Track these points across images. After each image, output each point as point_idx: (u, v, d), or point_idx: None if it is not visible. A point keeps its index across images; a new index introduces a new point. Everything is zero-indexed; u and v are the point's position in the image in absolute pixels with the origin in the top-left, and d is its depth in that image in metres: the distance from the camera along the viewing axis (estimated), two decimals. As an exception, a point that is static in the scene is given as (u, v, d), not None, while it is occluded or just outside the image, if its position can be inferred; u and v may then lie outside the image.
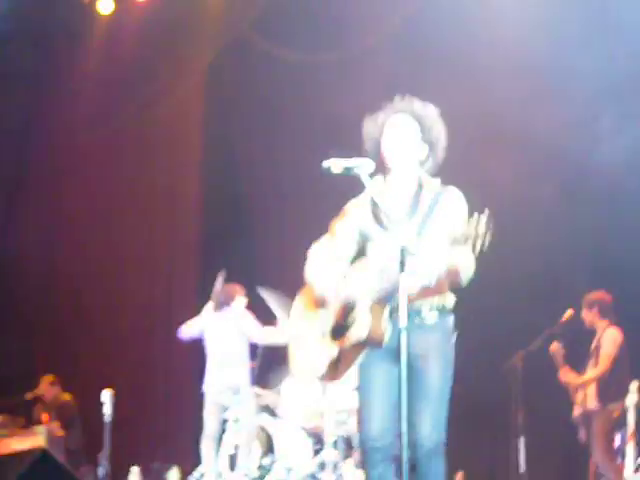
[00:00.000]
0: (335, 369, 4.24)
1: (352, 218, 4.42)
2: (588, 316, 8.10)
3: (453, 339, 4.27)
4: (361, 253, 4.41)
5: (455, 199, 4.26)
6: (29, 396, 10.01)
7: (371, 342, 4.12)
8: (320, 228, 4.74)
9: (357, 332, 4.12)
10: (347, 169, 4.00)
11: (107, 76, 11.32)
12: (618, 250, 8.61)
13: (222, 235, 10.95)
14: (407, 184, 4.30)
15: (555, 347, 8.05)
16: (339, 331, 4.21)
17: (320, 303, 4.32)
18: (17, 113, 11.11)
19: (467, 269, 4.03)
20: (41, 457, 3.26)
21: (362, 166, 4.02)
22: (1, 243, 10.75)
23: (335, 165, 3.99)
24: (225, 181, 11.06)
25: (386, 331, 4.10)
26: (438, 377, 4.15)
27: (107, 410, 8.39)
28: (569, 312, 8.07)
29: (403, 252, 3.80)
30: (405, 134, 4.29)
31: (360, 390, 4.30)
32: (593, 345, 8.06)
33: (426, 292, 4.14)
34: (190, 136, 11.41)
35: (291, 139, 10.78)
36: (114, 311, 11.25)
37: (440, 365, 4.17)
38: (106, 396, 8.47)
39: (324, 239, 4.50)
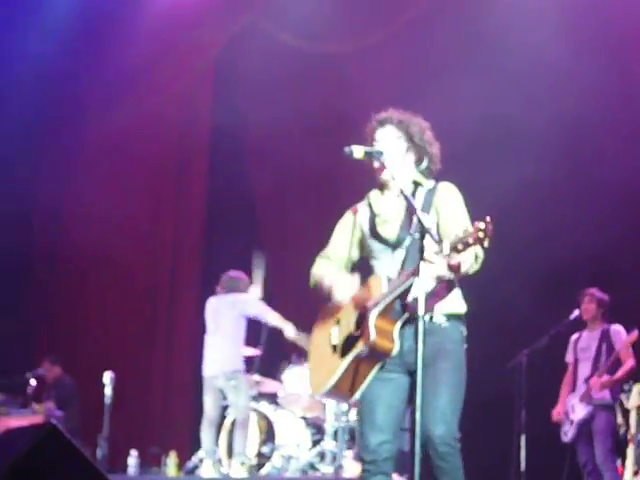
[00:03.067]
0: (346, 384, 4.18)
1: (349, 220, 4.46)
2: (590, 310, 8.07)
3: (464, 345, 4.22)
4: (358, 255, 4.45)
5: (448, 192, 4.28)
6: (29, 376, 9.97)
7: (378, 353, 4.08)
8: (323, 223, 4.74)
9: (364, 341, 4.07)
10: (368, 154, 4.04)
11: (118, 59, 11.24)
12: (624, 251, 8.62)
13: (226, 223, 10.92)
14: (403, 188, 4.28)
15: None
16: (349, 345, 4.17)
17: (336, 319, 4.30)
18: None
19: (467, 265, 3.98)
20: (49, 432, 3.21)
21: (383, 152, 4.07)
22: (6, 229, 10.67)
23: (357, 150, 4.01)
24: (231, 167, 11.02)
25: (395, 342, 4.08)
26: (449, 379, 4.09)
27: (108, 392, 8.38)
28: (576, 311, 8.06)
29: (424, 235, 3.77)
30: (389, 145, 4.29)
31: (362, 404, 4.26)
32: (597, 342, 8.03)
33: (435, 296, 4.12)
34: (198, 121, 11.36)
35: (300, 128, 10.74)
36: (116, 293, 11.21)
37: (451, 368, 4.12)
38: (107, 378, 8.46)
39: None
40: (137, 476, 8.59)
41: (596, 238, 8.62)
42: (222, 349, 8.42)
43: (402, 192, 4.00)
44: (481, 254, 4.04)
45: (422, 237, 3.82)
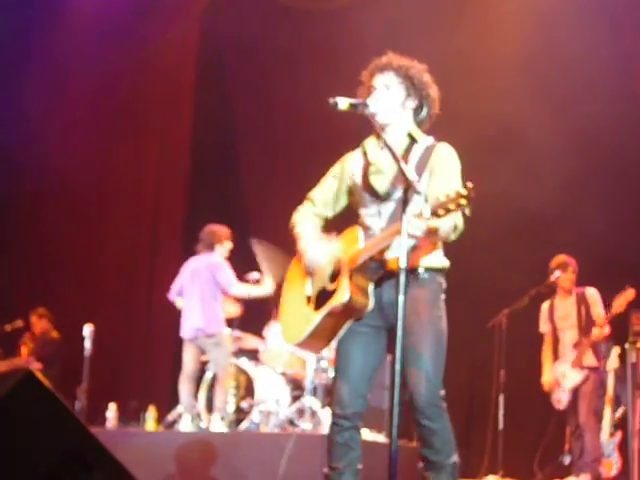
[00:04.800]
0: (319, 337, 4.20)
1: (341, 166, 4.43)
2: (572, 280, 8.12)
3: (442, 296, 4.21)
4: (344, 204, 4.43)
5: (446, 155, 4.21)
6: (8, 328, 9.92)
7: (353, 309, 4.08)
8: (310, 173, 4.72)
9: (338, 298, 4.06)
10: (353, 105, 3.99)
11: (100, 16, 11.15)
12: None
13: (210, 175, 10.88)
14: (398, 139, 4.25)
15: None
16: (324, 298, 4.17)
17: (309, 270, 4.29)
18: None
19: (446, 231, 3.97)
20: (25, 378, 3.17)
21: (368, 105, 4.04)
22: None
23: (342, 101, 3.96)
24: (216, 121, 10.95)
25: (369, 298, 4.07)
26: (430, 337, 4.07)
27: (87, 345, 8.37)
28: (557, 272, 8.08)
29: (410, 189, 3.73)
30: (389, 91, 4.25)
31: (338, 357, 4.26)
32: (576, 307, 8.07)
33: (415, 251, 4.09)
34: (183, 77, 11.26)
35: (286, 82, 10.69)
36: (98, 246, 11.18)
37: (431, 323, 4.09)
38: (87, 331, 8.45)
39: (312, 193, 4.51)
40: (116, 429, 8.59)
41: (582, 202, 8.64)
42: (201, 311, 8.38)
43: (386, 143, 3.96)
44: (461, 225, 4.03)
45: (405, 190, 3.79)
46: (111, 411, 8.78)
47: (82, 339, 8.46)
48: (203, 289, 8.43)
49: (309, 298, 4.25)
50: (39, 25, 11.13)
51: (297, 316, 4.29)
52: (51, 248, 11.34)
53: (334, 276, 4.15)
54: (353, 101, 4.02)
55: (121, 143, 11.15)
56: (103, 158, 11.18)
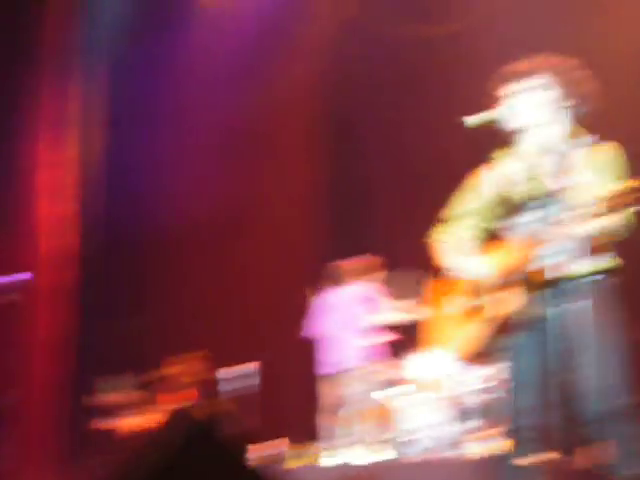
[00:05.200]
0: (481, 350, 4.19)
1: (476, 184, 4.33)
2: None
3: (616, 297, 4.07)
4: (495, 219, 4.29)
5: (608, 153, 4.06)
6: (165, 373, 9.99)
7: (516, 321, 4.02)
8: (444, 205, 4.65)
9: (501, 310, 4.05)
10: (487, 119, 3.91)
11: (219, 56, 11.32)
12: None
13: (350, 216, 10.90)
14: (554, 141, 4.11)
15: None
16: (484, 311, 4.14)
17: (468, 285, 4.27)
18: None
19: (615, 229, 3.86)
20: (199, 429, 3.06)
21: (504, 116, 3.95)
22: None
23: (476, 118, 3.89)
24: (349, 162, 11.01)
25: (534, 308, 3.97)
26: (610, 345, 3.96)
27: (255, 382, 8.43)
28: None
29: (568, 191, 3.62)
30: (540, 94, 4.13)
31: (510, 369, 4.19)
32: None
33: (581, 254, 3.99)
34: (310, 115, 11.37)
35: (411, 114, 10.68)
36: (238, 288, 11.24)
37: (608, 330, 3.98)
38: (253, 369, 8.52)
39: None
40: (290, 468, 8.55)
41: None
42: (344, 345, 8.38)
43: (541, 146, 3.86)
44: (633, 221, 3.88)
45: (563, 196, 3.69)
46: (281, 448, 8.77)
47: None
48: (346, 322, 8.42)
49: (469, 313, 4.16)
50: (166, 68, 11.34)
51: (461, 333, 4.22)
52: (195, 293, 11.47)
53: (495, 289, 4.04)
54: (489, 115, 3.96)
55: (260, 175, 11.23)
56: (236, 197, 11.26)
